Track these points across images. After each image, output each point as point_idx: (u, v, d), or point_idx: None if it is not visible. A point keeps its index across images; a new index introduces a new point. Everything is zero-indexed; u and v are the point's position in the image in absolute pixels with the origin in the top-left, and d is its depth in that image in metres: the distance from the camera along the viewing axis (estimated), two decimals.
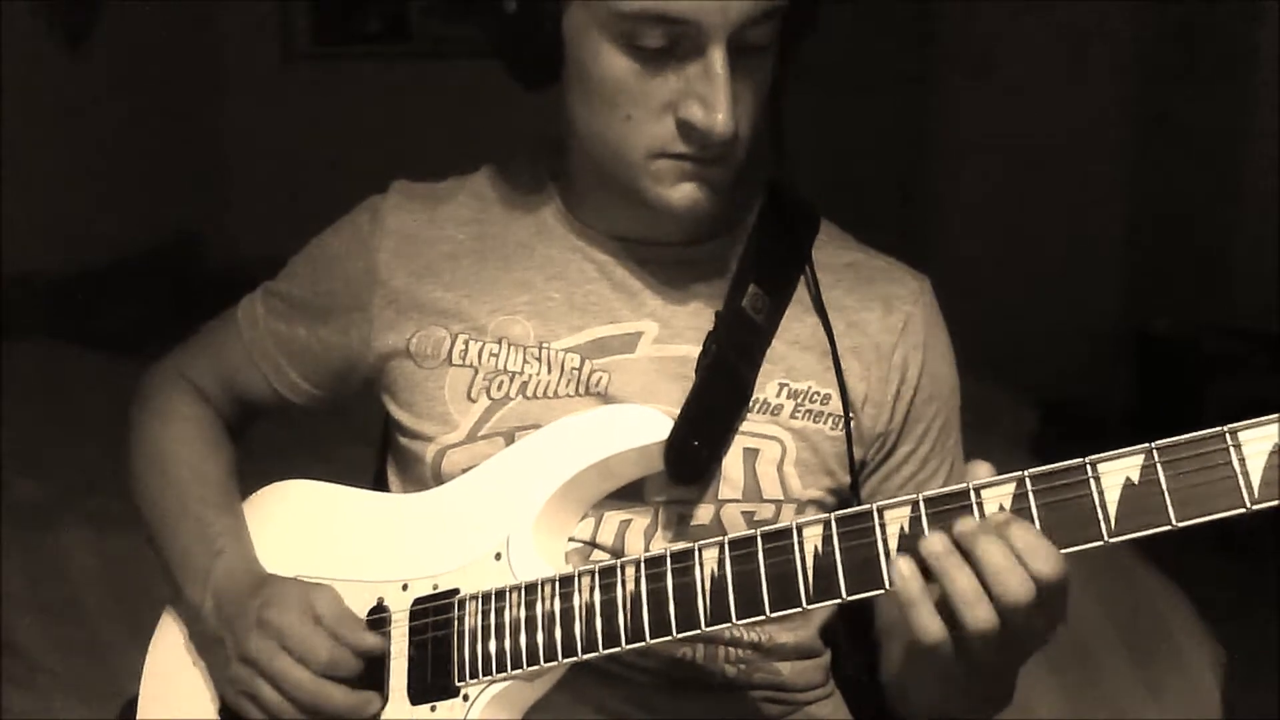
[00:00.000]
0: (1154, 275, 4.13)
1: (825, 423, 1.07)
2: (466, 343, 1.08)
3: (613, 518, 1.05)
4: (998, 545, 0.79)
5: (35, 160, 3.01)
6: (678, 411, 1.03)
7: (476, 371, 1.07)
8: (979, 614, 0.79)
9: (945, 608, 0.81)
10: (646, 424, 1.01)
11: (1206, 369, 3.75)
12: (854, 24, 3.33)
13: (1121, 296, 4.28)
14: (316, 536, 1.10)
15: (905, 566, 0.81)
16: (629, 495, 1.04)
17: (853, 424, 1.07)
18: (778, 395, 1.06)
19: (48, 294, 3.06)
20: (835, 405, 1.07)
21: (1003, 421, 2.88)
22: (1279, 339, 3.66)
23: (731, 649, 1.09)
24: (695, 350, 1.06)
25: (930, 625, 0.81)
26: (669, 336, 1.07)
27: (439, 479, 1.07)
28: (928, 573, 0.81)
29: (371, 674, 1.00)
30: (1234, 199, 3.87)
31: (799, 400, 1.06)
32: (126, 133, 3.50)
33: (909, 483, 1.11)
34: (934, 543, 0.81)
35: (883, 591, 0.85)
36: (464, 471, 1.06)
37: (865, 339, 1.08)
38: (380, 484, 1.19)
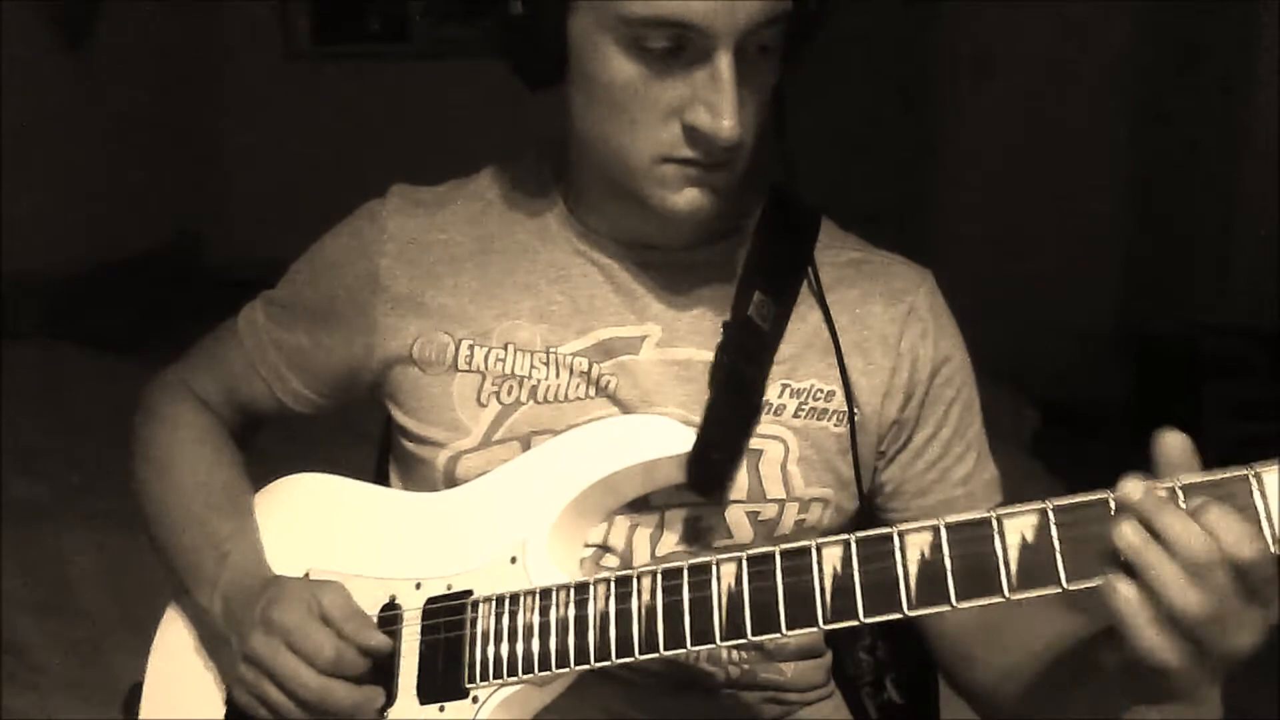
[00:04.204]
0: (1154, 275, 4.13)
1: (829, 420, 1.07)
2: (471, 348, 1.08)
3: (622, 522, 1.05)
4: (1183, 520, 0.75)
5: (35, 160, 3.01)
6: (683, 414, 1.03)
7: (484, 376, 1.07)
8: (1191, 599, 0.74)
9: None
10: (668, 436, 1.00)
11: (1206, 369, 3.75)
12: (854, 25, 3.33)
13: (1121, 296, 4.28)
14: (330, 530, 1.10)
15: (1127, 589, 0.75)
16: (635, 499, 1.04)
17: (857, 419, 1.07)
18: (780, 395, 1.06)
19: (48, 294, 3.06)
20: (838, 402, 1.07)
21: (1003, 421, 2.87)
22: (1278, 339, 3.65)
23: (735, 650, 1.09)
24: (699, 353, 1.06)
25: (1158, 643, 0.75)
26: (672, 340, 1.07)
27: (452, 484, 1.07)
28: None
29: (379, 670, 1.00)
30: (1233, 199, 3.86)
31: (801, 399, 1.06)
32: (126, 133, 3.50)
33: (933, 467, 1.10)
34: (1129, 532, 0.75)
35: (900, 616, 0.83)
36: (479, 475, 1.06)
37: (870, 332, 1.08)
38: (381, 484, 1.19)
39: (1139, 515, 0.76)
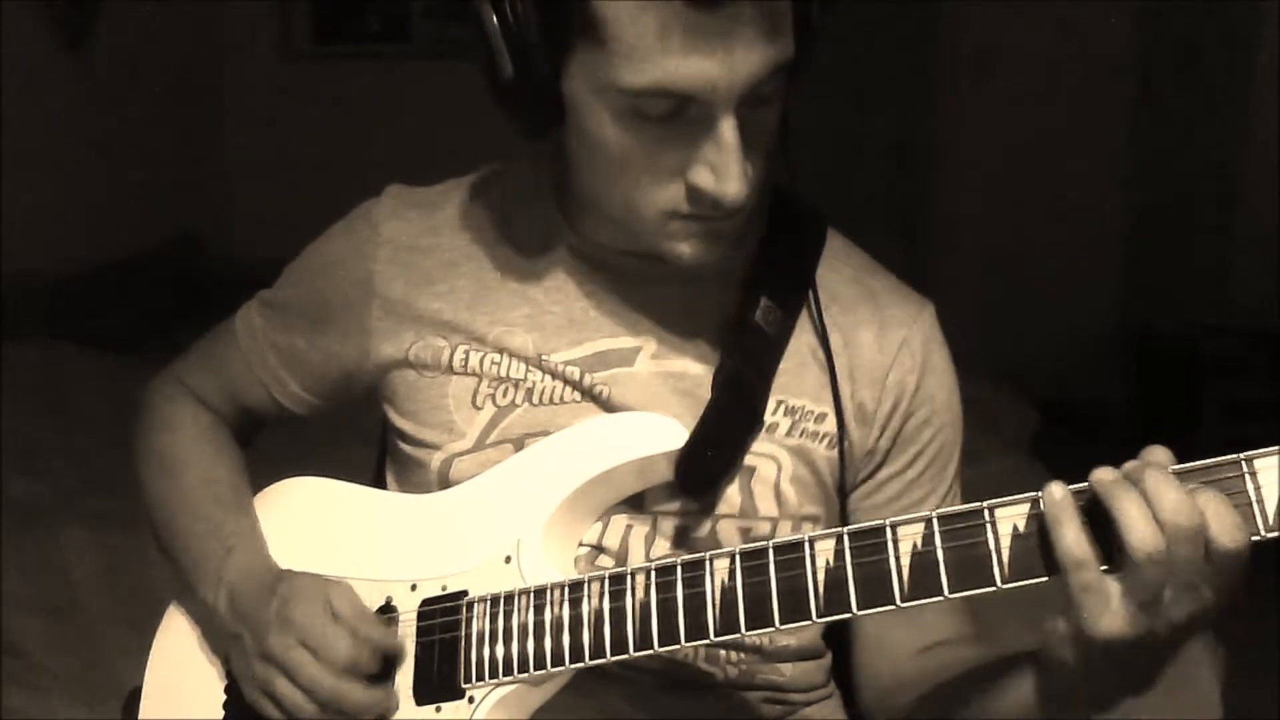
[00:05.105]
0: (1154, 275, 4.13)
1: (821, 442, 1.06)
2: (467, 352, 1.08)
3: (618, 522, 1.05)
4: (1166, 477, 0.76)
5: (35, 160, 3.01)
6: (678, 424, 1.02)
7: (480, 379, 1.07)
8: (1145, 534, 0.75)
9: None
10: (662, 432, 1.00)
11: (1206, 369, 3.75)
12: (854, 27, 3.33)
13: (1121, 297, 4.29)
14: (326, 534, 1.10)
15: (1057, 488, 0.79)
16: (630, 501, 1.04)
17: (846, 443, 1.06)
18: (774, 413, 1.05)
19: (48, 294, 3.06)
20: (830, 424, 1.06)
21: (1004, 422, 2.88)
22: (1278, 339, 3.66)
23: (733, 650, 1.09)
24: (693, 365, 1.06)
25: (1076, 541, 0.78)
26: (667, 351, 1.06)
27: (446, 486, 1.07)
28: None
29: (382, 676, 1.00)
30: (1233, 200, 3.87)
31: (795, 418, 1.06)
32: (126, 133, 3.50)
33: (891, 504, 1.09)
34: (1103, 472, 0.78)
35: (893, 608, 0.84)
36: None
37: (860, 358, 1.07)
38: (379, 485, 1.19)
39: (1126, 474, 0.78)
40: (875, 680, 1.11)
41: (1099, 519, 0.79)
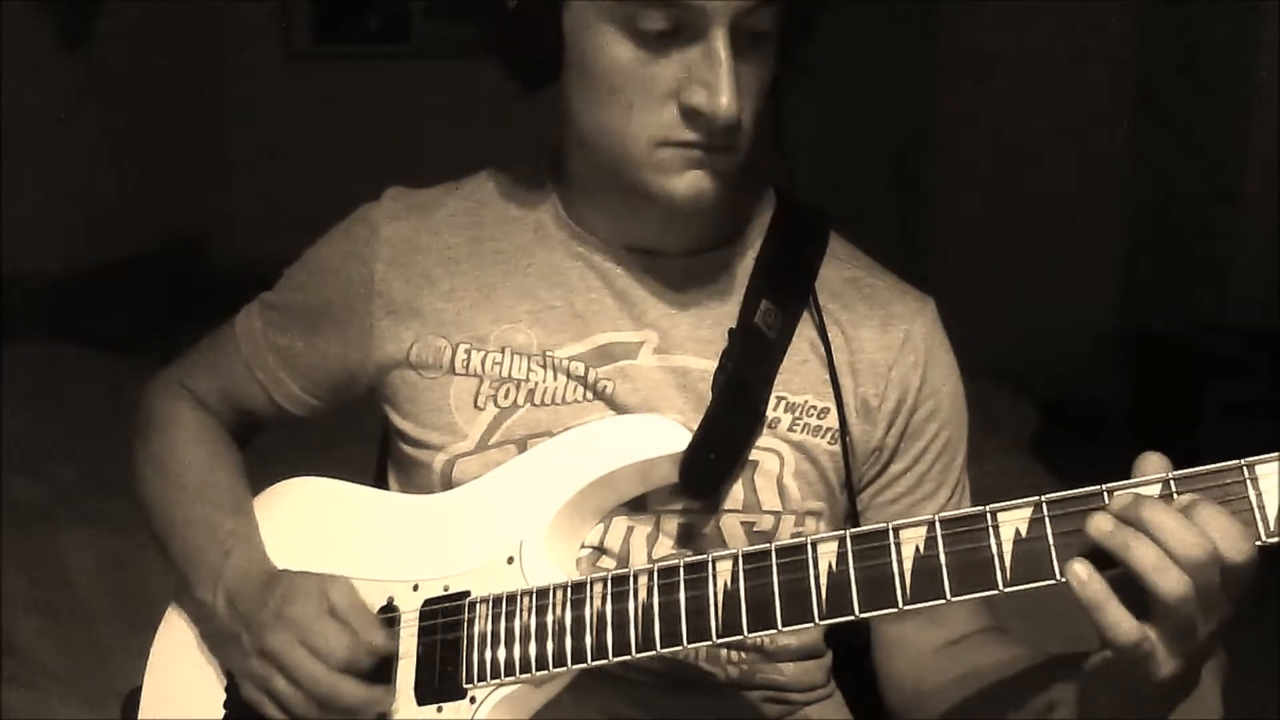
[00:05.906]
0: (1153, 275, 4.13)
1: (823, 437, 1.07)
2: (469, 352, 1.08)
3: (619, 523, 1.05)
4: (1163, 508, 0.76)
5: (35, 160, 3.01)
6: (681, 420, 1.03)
7: (482, 380, 1.07)
8: (1170, 579, 0.75)
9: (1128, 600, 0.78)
10: (665, 435, 1.01)
11: (1206, 369, 3.75)
12: (854, 24, 3.33)
13: (1121, 296, 4.29)
14: (328, 534, 1.10)
15: (1082, 569, 0.78)
16: (632, 502, 1.04)
17: (849, 439, 1.07)
18: (775, 409, 1.06)
19: (48, 294, 3.06)
20: (832, 419, 1.07)
21: (1004, 422, 2.88)
22: (1278, 339, 3.66)
23: (735, 650, 1.09)
24: (696, 361, 1.06)
25: (1124, 622, 0.77)
26: (669, 346, 1.07)
27: (448, 487, 1.07)
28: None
29: (380, 672, 1.00)
30: (1233, 199, 3.87)
31: (796, 414, 1.06)
32: (127, 133, 3.50)
33: (901, 499, 1.10)
34: (1102, 521, 0.78)
35: (895, 610, 0.84)
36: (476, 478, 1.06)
37: (862, 355, 1.08)
38: (380, 485, 1.19)
39: (1123, 517, 0.78)
40: (899, 683, 1.11)
41: (1107, 560, 0.78)
